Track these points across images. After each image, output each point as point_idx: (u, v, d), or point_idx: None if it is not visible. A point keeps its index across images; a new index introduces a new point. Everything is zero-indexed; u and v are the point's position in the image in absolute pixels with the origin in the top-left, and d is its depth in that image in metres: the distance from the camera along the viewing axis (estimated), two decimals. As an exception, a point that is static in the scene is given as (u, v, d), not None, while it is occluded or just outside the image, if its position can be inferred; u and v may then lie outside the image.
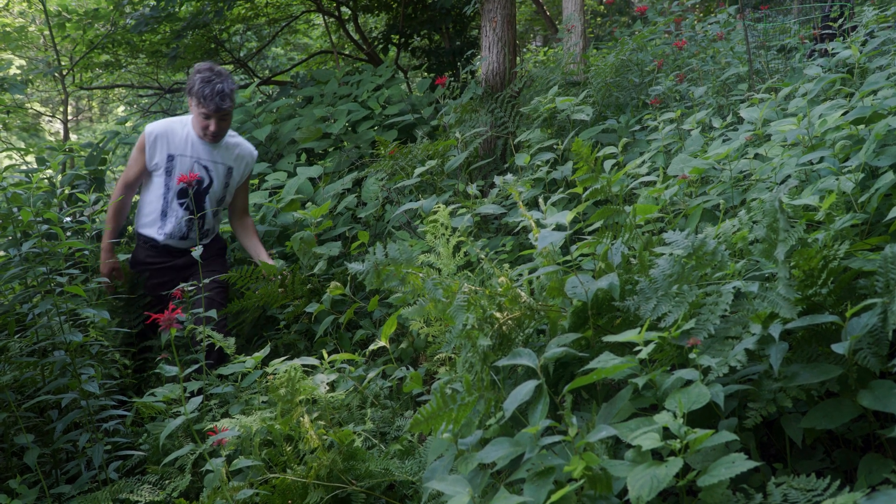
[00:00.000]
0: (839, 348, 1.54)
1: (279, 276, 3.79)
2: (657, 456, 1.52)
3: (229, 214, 4.15)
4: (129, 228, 5.12)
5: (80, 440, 2.78)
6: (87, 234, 4.59)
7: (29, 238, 3.01)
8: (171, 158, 3.78)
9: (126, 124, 7.88)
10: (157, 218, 3.85)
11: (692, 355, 1.63)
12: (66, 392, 2.88)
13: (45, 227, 3.07)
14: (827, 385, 1.66)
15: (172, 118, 3.91)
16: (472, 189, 3.52)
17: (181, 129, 3.82)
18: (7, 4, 9.26)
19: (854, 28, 3.91)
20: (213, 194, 3.89)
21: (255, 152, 4.05)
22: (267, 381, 2.65)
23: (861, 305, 1.55)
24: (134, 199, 4.27)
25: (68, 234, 4.68)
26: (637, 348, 1.67)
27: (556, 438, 1.58)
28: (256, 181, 5.33)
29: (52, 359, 2.91)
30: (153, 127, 3.81)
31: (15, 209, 3.03)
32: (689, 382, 1.61)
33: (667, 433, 1.51)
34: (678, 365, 1.77)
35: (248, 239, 4.09)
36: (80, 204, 4.70)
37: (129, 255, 3.99)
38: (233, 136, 3.95)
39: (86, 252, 4.03)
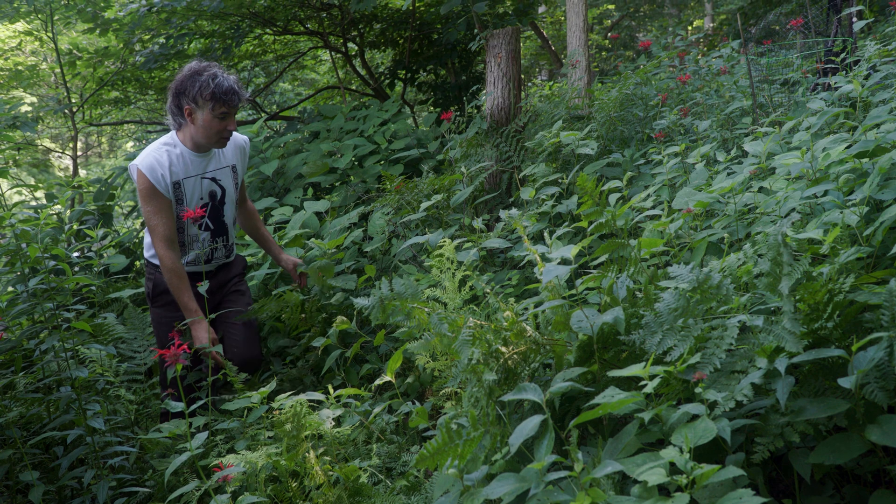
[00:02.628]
0: (846, 382, 1.53)
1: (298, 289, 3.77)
2: (664, 491, 1.51)
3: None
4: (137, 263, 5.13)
5: (86, 477, 2.78)
6: (95, 269, 4.62)
7: (37, 274, 3.03)
8: (177, 186, 3.38)
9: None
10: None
11: (698, 389, 1.62)
12: (71, 428, 2.87)
13: (52, 262, 3.09)
14: (835, 420, 1.65)
15: (148, 150, 3.41)
16: (478, 223, 3.53)
17: (167, 152, 3.38)
18: (19, 44, 9.39)
19: (857, 62, 3.93)
20: (229, 202, 3.60)
21: (247, 139, 3.72)
22: (273, 417, 2.64)
23: (867, 339, 1.55)
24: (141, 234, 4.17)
25: (76, 269, 4.71)
26: (643, 383, 1.67)
27: (563, 474, 1.57)
28: (262, 216, 5.36)
29: (58, 395, 2.91)
30: (142, 161, 3.34)
31: (23, 245, 3.05)
32: (695, 417, 1.60)
33: (673, 468, 1.50)
34: (684, 399, 1.76)
35: (256, 229, 3.90)
36: (87, 239, 4.73)
37: (146, 285, 3.63)
38: None
39: (93, 288, 4.02)
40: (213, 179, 3.50)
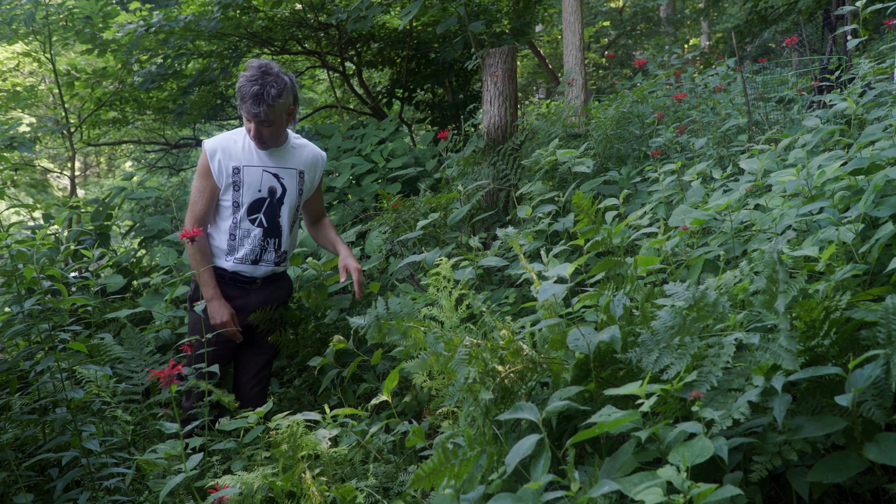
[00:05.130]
0: (843, 400, 1.52)
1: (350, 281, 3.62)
2: (661, 511, 1.50)
3: (306, 222, 3.85)
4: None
5: (81, 499, 2.76)
6: (92, 289, 4.61)
7: (33, 294, 3.02)
8: (237, 171, 3.41)
9: (133, 179, 7.97)
10: (223, 242, 3.48)
11: (695, 408, 1.61)
12: (66, 450, 2.86)
13: (48, 283, 3.08)
14: (833, 438, 1.64)
15: (224, 133, 3.53)
16: (475, 241, 3.53)
17: (240, 138, 3.46)
18: (18, 65, 9.43)
19: (851, 80, 3.95)
20: (288, 204, 3.53)
21: (324, 154, 3.72)
22: (269, 437, 2.63)
23: (864, 357, 1.54)
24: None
25: (73, 289, 4.70)
26: (639, 401, 1.66)
27: (559, 494, 1.56)
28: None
29: (53, 416, 2.89)
30: (212, 142, 3.45)
31: (19, 265, 3.05)
32: (692, 436, 1.59)
33: (671, 488, 1.49)
34: (681, 418, 1.76)
35: (326, 237, 3.77)
36: (84, 260, 4.72)
37: (191, 287, 3.62)
38: (297, 139, 3.63)
39: (89, 308, 4.01)
40: (276, 176, 3.48)
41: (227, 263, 3.48)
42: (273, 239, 3.51)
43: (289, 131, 3.56)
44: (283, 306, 3.70)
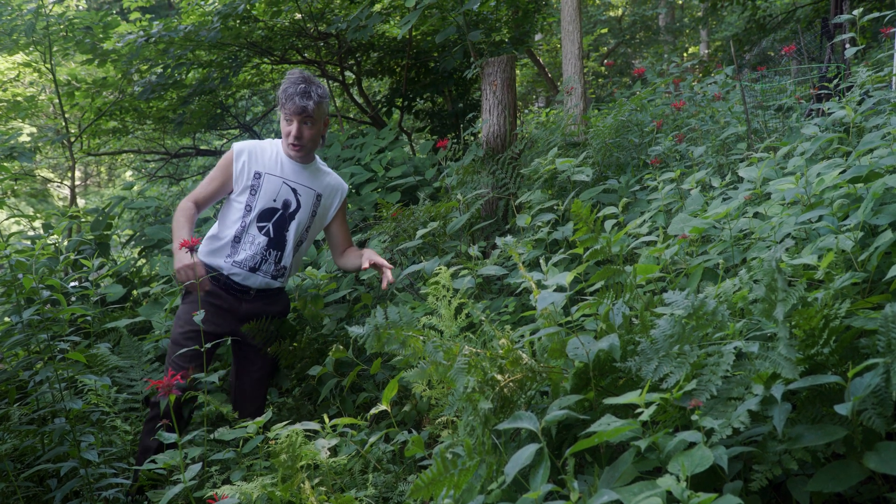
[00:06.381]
0: (842, 409, 1.52)
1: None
2: (661, 521, 1.49)
3: (333, 253, 3.81)
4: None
5: (79, 509, 2.75)
6: (92, 298, 4.60)
7: (32, 304, 3.02)
8: (258, 176, 3.47)
9: (133, 189, 7.98)
10: (227, 243, 3.47)
11: (695, 417, 1.61)
12: (65, 460, 2.85)
13: (47, 293, 3.08)
14: (833, 447, 1.64)
15: (259, 140, 3.61)
16: (474, 250, 3.53)
17: (270, 147, 3.54)
18: (18, 75, 9.45)
19: (850, 88, 3.96)
20: (299, 222, 3.55)
21: (347, 187, 3.76)
22: (268, 447, 2.62)
23: (863, 365, 1.54)
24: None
25: (73, 299, 4.69)
26: (639, 410, 1.65)
27: (559, 503, 1.56)
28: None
29: (52, 427, 2.89)
30: (241, 144, 3.52)
31: (19, 276, 3.05)
32: (692, 445, 1.59)
33: (670, 497, 1.48)
34: (681, 427, 1.75)
35: (351, 254, 3.71)
36: (84, 269, 4.71)
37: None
38: (324, 165, 3.68)
39: (88, 318, 4.00)
40: (294, 191, 3.52)
41: (224, 263, 3.45)
42: (276, 251, 3.50)
43: (316, 156, 3.62)
44: (277, 318, 3.66)
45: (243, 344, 3.58)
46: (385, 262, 3.45)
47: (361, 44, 8.43)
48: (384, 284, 3.40)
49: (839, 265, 2.02)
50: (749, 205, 2.80)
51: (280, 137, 3.57)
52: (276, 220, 3.49)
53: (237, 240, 3.46)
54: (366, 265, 3.45)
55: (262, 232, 3.47)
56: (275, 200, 3.48)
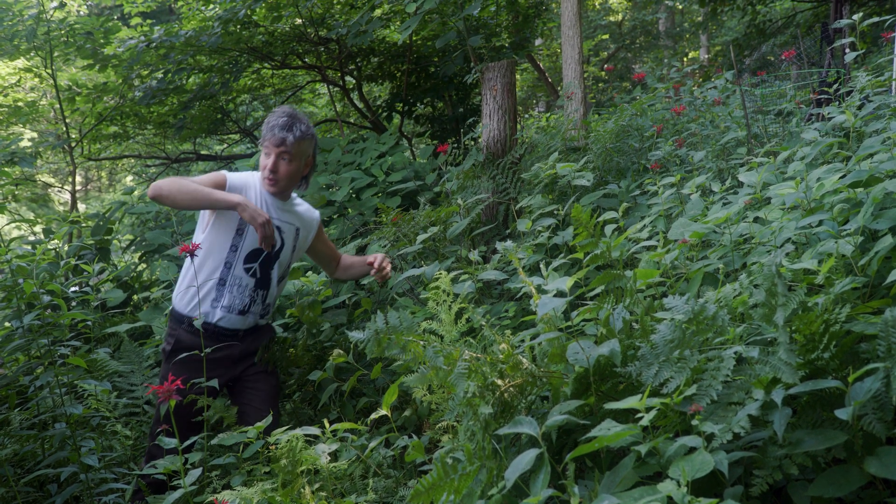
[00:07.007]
0: (843, 414, 1.52)
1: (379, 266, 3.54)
2: (662, 526, 1.49)
3: (327, 271, 3.78)
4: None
5: (79, 514, 2.75)
6: (92, 303, 4.61)
7: (33, 309, 3.02)
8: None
9: (133, 194, 7.98)
10: (211, 289, 3.29)
11: (695, 422, 1.61)
12: (65, 465, 2.85)
13: (48, 298, 3.08)
14: (833, 452, 1.64)
15: (243, 173, 3.43)
16: (475, 255, 3.53)
17: (253, 183, 3.37)
18: (19, 80, 9.47)
19: (849, 93, 3.96)
20: (282, 260, 3.45)
21: (318, 213, 3.65)
22: (269, 452, 2.62)
23: (863, 370, 1.54)
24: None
25: (73, 304, 4.70)
26: (639, 415, 1.65)
27: (559, 509, 1.56)
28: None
29: (52, 432, 2.89)
30: (232, 176, 3.34)
31: (20, 281, 3.05)
32: (692, 450, 1.59)
33: (671, 502, 1.48)
34: (681, 431, 1.75)
35: (350, 262, 3.73)
36: (85, 274, 4.72)
37: (166, 343, 3.36)
38: (297, 198, 3.56)
39: (88, 323, 4.00)
40: (279, 229, 3.39)
41: (211, 309, 3.29)
42: (262, 291, 3.40)
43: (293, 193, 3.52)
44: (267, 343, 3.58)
45: (242, 377, 3.45)
46: (379, 256, 3.48)
47: (362, 49, 8.45)
48: (380, 280, 3.44)
49: (839, 270, 2.02)
50: (749, 209, 2.80)
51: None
52: (262, 260, 3.36)
53: (222, 282, 3.29)
54: (369, 261, 3.49)
55: (250, 273, 3.33)
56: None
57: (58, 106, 8.63)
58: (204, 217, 3.39)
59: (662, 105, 5.24)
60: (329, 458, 2.65)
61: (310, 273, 4.36)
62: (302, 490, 2.37)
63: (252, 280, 3.33)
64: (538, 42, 15.23)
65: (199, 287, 3.25)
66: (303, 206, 3.58)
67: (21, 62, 8.98)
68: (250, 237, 3.30)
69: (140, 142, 11.13)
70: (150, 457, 3.15)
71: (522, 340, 2.44)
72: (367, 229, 5.37)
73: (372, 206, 5.73)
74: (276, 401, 3.51)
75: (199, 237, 3.36)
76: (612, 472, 1.72)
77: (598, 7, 20.20)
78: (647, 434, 1.67)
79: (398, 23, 8.29)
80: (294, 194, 3.53)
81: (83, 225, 5.87)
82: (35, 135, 12.90)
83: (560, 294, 2.35)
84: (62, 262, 4.65)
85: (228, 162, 9.63)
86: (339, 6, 8.11)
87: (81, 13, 9.92)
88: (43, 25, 7.76)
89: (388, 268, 3.55)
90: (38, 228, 9.09)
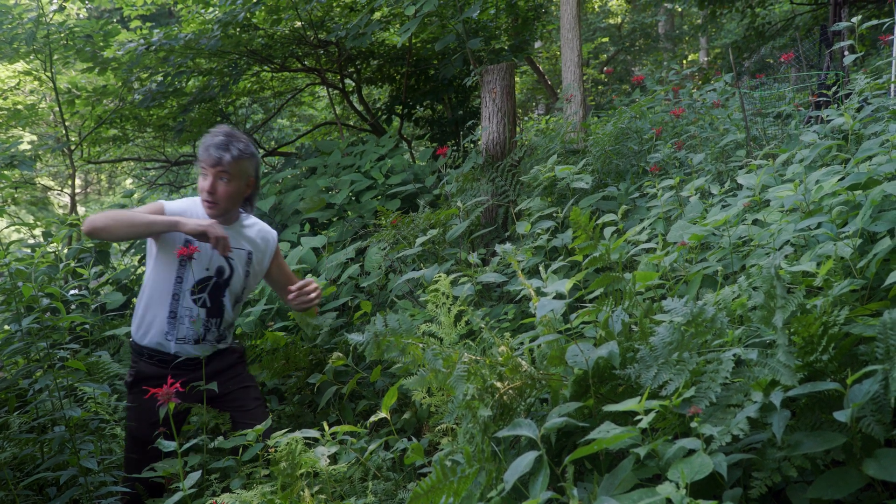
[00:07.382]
0: (841, 416, 1.52)
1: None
2: (661, 529, 1.49)
3: (281, 296, 3.58)
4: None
5: (79, 517, 2.75)
6: (91, 306, 4.60)
7: (32, 312, 3.02)
8: (187, 243, 3.09)
9: (133, 196, 7.98)
10: (163, 321, 3.17)
11: (694, 424, 1.61)
12: (65, 469, 2.85)
13: (47, 301, 3.08)
14: (832, 454, 1.64)
15: (184, 199, 3.31)
16: (474, 258, 3.53)
17: (195, 210, 3.23)
18: (19, 83, 9.47)
19: (848, 95, 3.96)
20: (233, 286, 3.30)
21: (275, 233, 3.49)
22: (268, 455, 2.62)
23: (862, 372, 1.54)
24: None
25: (72, 307, 4.70)
26: (638, 417, 1.65)
27: (558, 511, 1.56)
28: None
29: (51, 435, 2.89)
30: (171, 204, 3.22)
31: (19, 283, 3.05)
32: (691, 452, 1.59)
33: (670, 505, 1.48)
34: (680, 434, 1.75)
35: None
36: (83, 277, 4.72)
37: (129, 374, 3.26)
38: (248, 218, 3.40)
39: (87, 326, 3.99)
40: (226, 256, 3.25)
41: (169, 344, 3.17)
42: (215, 318, 3.27)
43: (241, 211, 3.36)
44: (242, 368, 3.43)
45: (221, 396, 3.28)
46: (304, 281, 3.32)
47: (361, 51, 8.45)
48: (305, 300, 3.27)
49: (838, 272, 2.02)
50: (748, 212, 2.80)
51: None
52: (210, 289, 3.23)
53: (173, 315, 3.18)
54: (289, 287, 3.32)
55: (199, 304, 3.20)
56: (207, 269, 3.22)
57: (57, 109, 8.63)
58: (151, 250, 3.28)
59: (661, 108, 5.24)
60: (328, 460, 2.65)
61: (309, 276, 4.36)
62: (301, 493, 2.37)
63: (202, 310, 3.22)
64: (537, 45, 15.26)
65: (149, 322, 3.18)
66: (255, 227, 3.42)
67: (20, 65, 8.97)
68: (195, 266, 3.19)
69: (140, 145, 11.13)
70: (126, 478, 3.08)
71: (521, 343, 2.44)
72: (366, 232, 5.37)
73: (371, 209, 5.73)
74: (264, 406, 3.45)
75: (147, 272, 3.28)
76: (611, 475, 1.72)
77: (597, 10, 20.22)
78: (646, 436, 1.67)
79: (397, 25, 8.29)
80: (245, 216, 3.40)
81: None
82: (35, 138, 12.90)
83: (559, 296, 2.35)
84: (61, 265, 4.65)
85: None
86: (338, 9, 8.12)
87: (81, 16, 9.93)
88: (42, 28, 7.76)
89: (314, 294, 3.34)
90: (37, 231, 9.08)
